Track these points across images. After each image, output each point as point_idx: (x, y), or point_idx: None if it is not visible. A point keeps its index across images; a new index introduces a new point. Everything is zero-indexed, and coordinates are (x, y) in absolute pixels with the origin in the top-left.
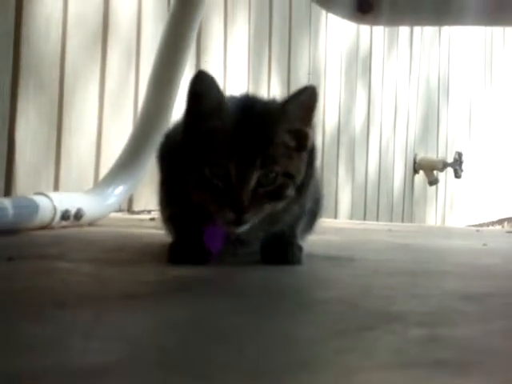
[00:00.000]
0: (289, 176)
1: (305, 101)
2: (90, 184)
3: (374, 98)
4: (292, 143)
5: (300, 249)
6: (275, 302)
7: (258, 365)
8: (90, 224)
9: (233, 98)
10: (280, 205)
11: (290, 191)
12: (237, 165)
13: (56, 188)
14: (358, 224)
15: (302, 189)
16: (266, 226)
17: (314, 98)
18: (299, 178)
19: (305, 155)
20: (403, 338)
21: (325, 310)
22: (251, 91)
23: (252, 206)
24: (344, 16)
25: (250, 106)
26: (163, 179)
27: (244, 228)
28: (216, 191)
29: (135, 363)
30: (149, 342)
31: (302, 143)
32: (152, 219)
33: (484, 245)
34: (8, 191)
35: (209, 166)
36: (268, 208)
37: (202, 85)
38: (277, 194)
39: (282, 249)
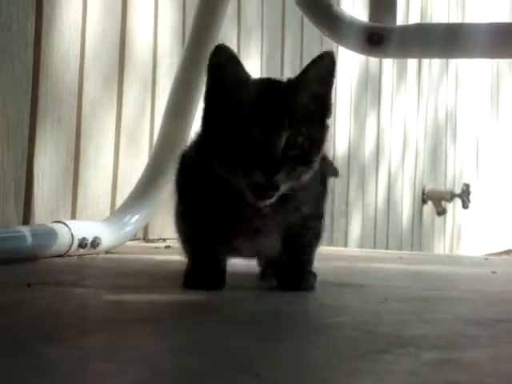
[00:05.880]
0: (314, 141)
1: (324, 65)
2: (107, 213)
3: (383, 129)
4: (313, 107)
5: (314, 276)
6: (289, 327)
7: None
8: (107, 252)
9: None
10: (307, 174)
11: (316, 157)
12: (263, 128)
13: (73, 217)
14: (368, 252)
15: (319, 207)
16: (284, 212)
17: (332, 63)
18: (322, 146)
19: (327, 124)
20: (416, 361)
21: (338, 335)
22: None
23: (282, 168)
24: (354, 48)
25: (270, 78)
26: (181, 196)
27: (273, 199)
28: (245, 158)
29: None
30: (166, 365)
31: (324, 108)
32: (167, 247)
33: (493, 272)
34: (27, 219)
35: (236, 134)
36: (296, 175)
37: (223, 58)
38: (305, 159)
39: (297, 275)
